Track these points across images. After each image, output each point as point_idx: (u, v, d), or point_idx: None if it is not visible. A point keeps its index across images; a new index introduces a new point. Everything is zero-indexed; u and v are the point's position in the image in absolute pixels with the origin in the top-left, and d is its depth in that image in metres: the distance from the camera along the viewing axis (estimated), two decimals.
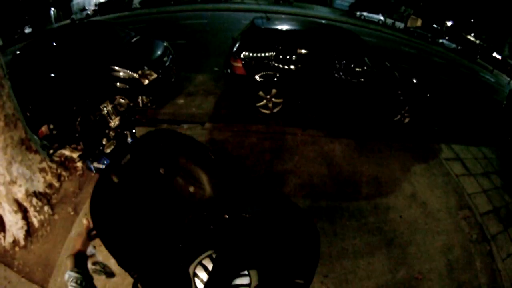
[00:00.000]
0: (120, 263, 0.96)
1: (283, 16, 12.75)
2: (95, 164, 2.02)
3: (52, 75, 4.53)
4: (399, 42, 16.08)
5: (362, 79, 4.17)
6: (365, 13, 20.49)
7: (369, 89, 4.22)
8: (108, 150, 1.96)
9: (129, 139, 2.07)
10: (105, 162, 1.97)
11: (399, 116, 4.46)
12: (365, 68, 4.15)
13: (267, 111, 4.51)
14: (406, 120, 4.53)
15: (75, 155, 3.42)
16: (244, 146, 3.71)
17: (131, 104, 2.12)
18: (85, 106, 2.15)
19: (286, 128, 4.11)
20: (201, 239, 0.98)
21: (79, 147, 2.05)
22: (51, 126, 1.92)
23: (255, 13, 5.13)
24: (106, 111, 2.09)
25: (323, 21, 5.24)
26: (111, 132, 2.05)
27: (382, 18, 20.80)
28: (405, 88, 4.41)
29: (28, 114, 4.97)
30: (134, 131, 2.22)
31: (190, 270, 0.69)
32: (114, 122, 2.06)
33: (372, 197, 3.20)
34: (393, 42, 15.05)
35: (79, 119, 2.14)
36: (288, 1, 20.85)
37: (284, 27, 4.43)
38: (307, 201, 3.00)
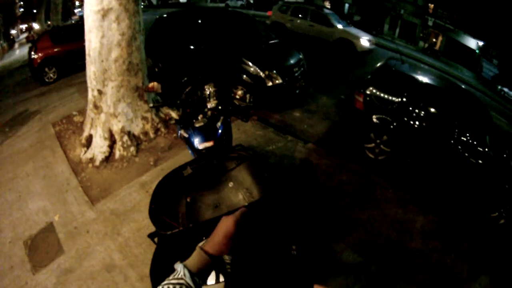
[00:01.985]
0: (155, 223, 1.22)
1: (422, 65, 11.63)
2: (182, 132, 2.20)
3: (191, 47, 5.03)
4: None
5: (474, 159, 3.56)
6: (505, 89, 17.96)
7: (478, 172, 3.58)
8: (197, 125, 2.11)
9: (219, 124, 2.18)
10: (189, 133, 2.13)
11: (497, 213, 3.61)
12: (482, 147, 3.52)
13: (372, 155, 4.26)
14: (502, 221, 3.61)
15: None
16: (332, 179, 3.63)
17: (238, 97, 2.24)
18: (196, 81, 2.38)
19: (380, 179, 3.81)
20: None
21: (178, 113, 2.27)
22: (160, 85, 2.18)
23: (401, 55, 4.87)
24: (208, 92, 2.27)
25: (462, 85, 4.58)
26: (208, 112, 2.21)
27: None
28: None
29: (156, 70, 5.93)
30: (229, 119, 2.34)
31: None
32: (211, 103, 2.21)
33: None
34: None
35: (187, 90, 2.38)
36: (436, 53, 19.45)
37: (415, 75, 4.12)
38: (359, 258, 2.71)
